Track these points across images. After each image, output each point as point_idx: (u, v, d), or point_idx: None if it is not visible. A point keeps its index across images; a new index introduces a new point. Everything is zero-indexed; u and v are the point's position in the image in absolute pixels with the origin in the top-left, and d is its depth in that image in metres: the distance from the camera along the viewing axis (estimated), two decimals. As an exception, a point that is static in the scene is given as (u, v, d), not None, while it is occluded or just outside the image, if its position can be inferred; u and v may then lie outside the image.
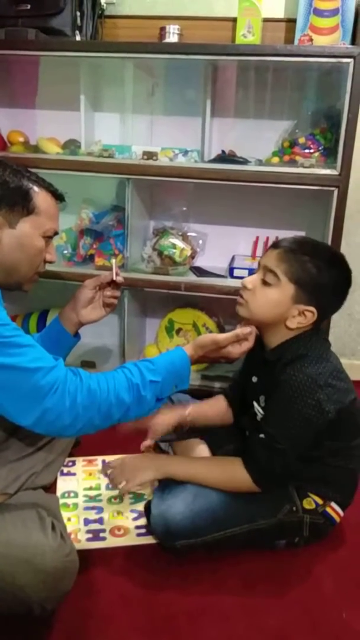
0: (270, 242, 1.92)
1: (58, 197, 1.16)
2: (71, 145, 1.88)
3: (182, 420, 1.31)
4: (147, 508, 1.25)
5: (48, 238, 1.13)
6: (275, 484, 1.18)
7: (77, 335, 1.36)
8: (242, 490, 1.17)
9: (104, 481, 1.40)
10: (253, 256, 1.91)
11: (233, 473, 1.17)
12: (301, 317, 1.16)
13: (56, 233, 1.15)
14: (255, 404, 1.27)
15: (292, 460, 1.14)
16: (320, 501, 1.21)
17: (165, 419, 1.28)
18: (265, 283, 1.16)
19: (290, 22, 1.74)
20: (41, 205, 1.09)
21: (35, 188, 1.09)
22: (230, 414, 1.40)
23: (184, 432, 1.37)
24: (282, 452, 1.12)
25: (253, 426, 1.24)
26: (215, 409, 1.40)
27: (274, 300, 1.15)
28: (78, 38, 1.74)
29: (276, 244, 1.19)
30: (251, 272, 1.76)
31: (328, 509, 1.22)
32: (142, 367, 1.04)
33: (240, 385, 1.38)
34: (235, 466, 1.17)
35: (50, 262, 1.16)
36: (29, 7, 1.69)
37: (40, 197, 1.09)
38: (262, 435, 1.15)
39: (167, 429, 1.28)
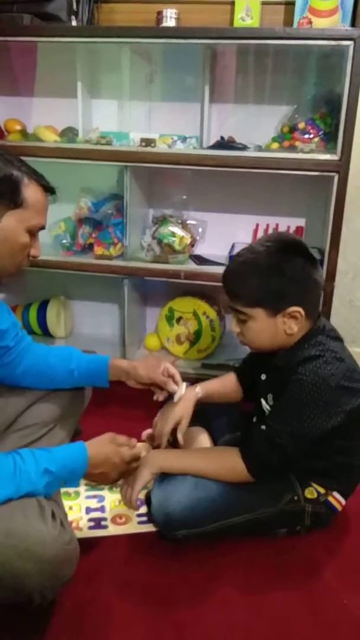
0: (270, 230, 1.90)
1: (49, 190, 1.11)
2: (69, 133, 1.86)
3: (195, 399, 1.31)
4: (148, 497, 1.25)
5: (34, 233, 1.09)
6: (271, 476, 1.17)
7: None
8: (239, 480, 1.16)
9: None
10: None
11: (230, 464, 1.16)
12: (293, 320, 1.14)
13: (43, 227, 1.11)
14: (263, 401, 1.27)
15: (292, 456, 1.13)
16: (322, 490, 1.21)
17: (183, 402, 1.27)
18: (242, 321, 1.18)
19: (289, 4, 1.71)
20: (30, 198, 1.05)
21: (25, 180, 1.04)
22: (241, 391, 1.40)
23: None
24: (282, 447, 1.12)
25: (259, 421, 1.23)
26: (227, 385, 1.40)
27: (258, 330, 1.17)
28: (74, 23, 1.72)
29: (223, 283, 1.20)
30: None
31: (330, 498, 1.22)
32: (39, 455, 0.95)
33: (250, 365, 1.37)
34: (233, 457, 1.17)
35: (35, 257, 1.12)
36: (23, -8, 1.66)
37: (30, 190, 1.05)
38: (263, 427, 1.15)
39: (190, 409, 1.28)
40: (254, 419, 1.31)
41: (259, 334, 1.17)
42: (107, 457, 1.06)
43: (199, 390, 1.32)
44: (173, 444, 1.43)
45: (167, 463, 1.20)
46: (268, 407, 1.24)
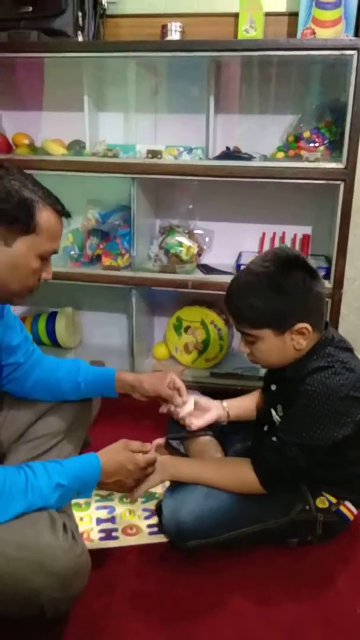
0: (276, 238, 1.91)
1: (63, 214, 1.08)
2: (76, 146, 1.88)
3: (223, 413, 1.33)
4: (158, 508, 1.25)
5: (46, 257, 1.06)
6: (282, 487, 1.16)
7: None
8: (251, 492, 1.16)
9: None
10: (260, 252, 1.90)
11: (241, 475, 1.16)
12: (300, 336, 1.14)
13: (55, 252, 1.08)
14: (273, 411, 1.27)
15: (304, 468, 1.12)
16: (334, 500, 1.20)
17: (205, 418, 1.30)
18: (250, 342, 1.17)
19: (293, 15, 1.73)
20: (43, 224, 1.01)
21: (40, 205, 1.01)
22: None
23: (193, 430, 1.37)
24: (293, 459, 1.11)
25: (270, 431, 1.23)
26: (255, 403, 1.39)
27: (267, 349, 1.16)
28: (80, 38, 1.74)
29: (227, 306, 1.20)
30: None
31: (342, 508, 1.21)
32: (51, 469, 0.96)
33: None
34: (244, 468, 1.16)
35: (46, 280, 1.09)
36: (30, 9, 1.69)
37: (44, 216, 1.01)
38: (274, 439, 1.14)
39: (206, 425, 1.31)
40: (265, 428, 1.30)
41: (269, 354, 1.17)
42: (121, 465, 1.06)
43: (226, 404, 1.35)
44: (183, 453, 1.43)
45: (178, 471, 1.20)
46: (278, 418, 1.24)
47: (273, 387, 1.27)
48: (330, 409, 1.08)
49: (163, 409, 1.31)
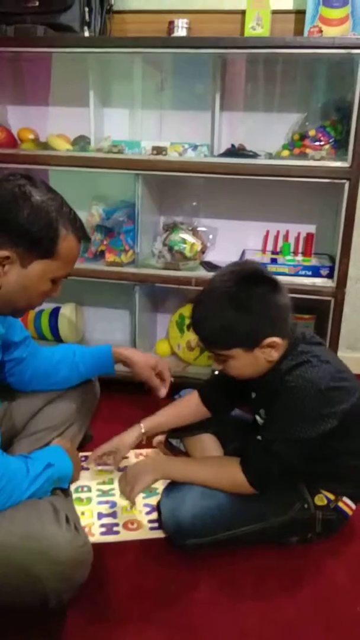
0: (280, 236, 1.91)
1: (85, 238, 1.07)
2: (81, 141, 1.88)
3: (141, 437, 1.34)
4: (159, 505, 1.26)
5: (57, 281, 1.06)
6: (273, 486, 1.15)
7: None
8: (243, 492, 1.15)
9: (116, 475, 1.40)
10: (263, 250, 1.90)
11: (231, 476, 1.15)
12: (271, 349, 1.12)
13: (68, 276, 1.07)
14: (257, 417, 1.27)
15: (290, 463, 1.12)
16: (332, 497, 1.21)
17: (124, 440, 1.32)
18: (222, 361, 1.16)
19: (300, 13, 1.73)
20: (63, 251, 0.99)
21: (64, 231, 0.98)
22: (203, 409, 1.37)
23: (194, 428, 1.38)
24: (278, 455, 1.10)
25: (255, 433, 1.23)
26: (185, 411, 1.38)
27: (240, 366, 1.15)
28: (87, 34, 1.74)
29: (194, 331, 1.19)
30: (262, 266, 1.75)
31: (340, 504, 1.21)
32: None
33: (218, 386, 1.36)
34: (233, 469, 1.15)
35: (52, 297, 1.10)
36: (37, 3, 1.69)
37: (65, 243, 0.99)
38: (259, 437, 1.14)
39: (129, 449, 1.33)
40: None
41: (242, 369, 1.16)
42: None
43: (142, 425, 1.34)
44: (183, 451, 1.44)
45: (172, 472, 1.21)
46: (262, 421, 1.24)
47: (253, 395, 1.27)
48: (312, 401, 1.08)
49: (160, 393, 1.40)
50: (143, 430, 1.34)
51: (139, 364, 1.37)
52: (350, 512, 1.23)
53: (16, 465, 0.96)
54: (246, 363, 1.14)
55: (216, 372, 1.36)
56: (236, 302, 1.09)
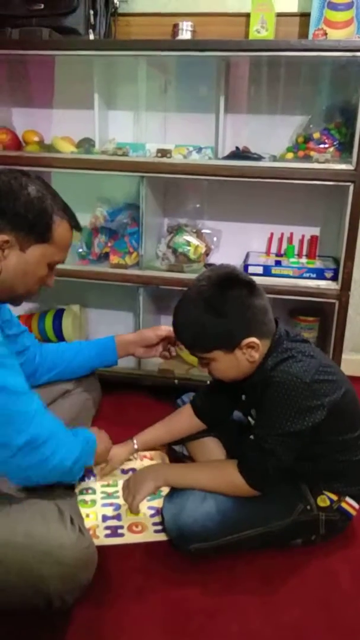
0: (284, 239, 1.91)
1: (77, 227, 1.14)
2: (85, 143, 1.89)
3: (133, 453, 1.39)
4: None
5: (52, 266, 1.12)
6: (272, 486, 1.15)
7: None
8: (244, 494, 1.15)
9: (121, 478, 1.40)
10: (268, 253, 1.90)
11: (230, 478, 1.16)
12: (251, 349, 1.14)
13: (62, 262, 1.14)
14: (249, 418, 1.28)
15: (284, 459, 1.11)
16: (334, 497, 1.20)
17: (117, 455, 1.35)
18: (206, 364, 1.19)
19: (304, 16, 1.73)
20: (58, 236, 1.07)
21: (58, 219, 1.06)
22: (198, 421, 1.38)
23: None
24: (271, 452, 1.11)
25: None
26: (176, 426, 1.40)
27: (223, 368, 1.18)
28: (91, 37, 1.75)
29: (175, 335, 1.23)
30: (266, 268, 1.76)
31: (343, 504, 1.21)
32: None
33: (211, 397, 1.37)
34: (231, 471, 1.16)
35: (48, 287, 1.15)
36: (42, 6, 1.70)
37: (60, 228, 1.07)
38: (251, 437, 1.15)
39: (119, 464, 1.39)
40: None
41: (226, 371, 1.19)
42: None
43: (136, 442, 1.37)
44: (187, 455, 1.44)
45: (173, 478, 1.22)
46: (254, 422, 1.25)
47: (243, 397, 1.28)
48: (299, 394, 1.09)
49: (169, 353, 1.44)
50: (136, 447, 1.37)
51: (145, 330, 1.46)
52: (353, 513, 1.23)
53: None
54: (228, 365, 1.16)
55: (207, 382, 1.38)
56: (211, 306, 1.12)
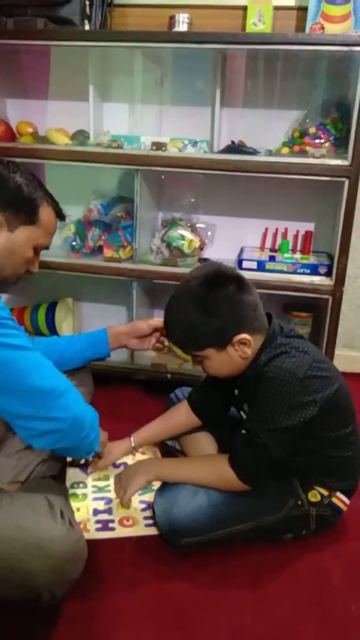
0: (279, 234, 1.91)
1: (61, 216, 1.22)
2: (80, 135, 1.87)
3: (130, 451, 1.40)
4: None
5: (38, 251, 1.18)
6: (263, 481, 1.16)
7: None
8: (235, 489, 1.15)
9: (112, 472, 1.40)
10: (262, 248, 1.90)
11: (221, 472, 1.16)
12: (243, 346, 1.14)
13: (47, 248, 1.21)
14: (242, 413, 1.28)
15: (276, 454, 1.12)
16: (325, 492, 1.21)
17: (113, 452, 1.38)
18: (199, 362, 1.20)
19: (302, 10, 1.72)
20: (44, 219, 1.14)
21: (45, 203, 1.15)
22: (195, 417, 1.38)
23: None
24: (263, 446, 1.11)
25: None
26: (172, 423, 1.40)
27: (216, 365, 1.19)
28: (87, 27, 1.73)
29: (167, 336, 1.26)
30: (260, 264, 1.75)
31: (334, 499, 1.22)
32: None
33: (207, 393, 1.37)
34: (222, 465, 1.16)
35: (31, 273, 1.21)
36: (37, -5, 1.68)
37: (46, 212, 1.15)
38: (243, 431, 1.15)
39: (115, 460, 1.41)
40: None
41: (219, 368, 1.19)
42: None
43: (132, 440, 1.39)
44: (179, 450, 1.44)
45: (164, 473, 1.22)
46: (245, 416, 1.25)
47: (236, 392, 1.28)
48: (291, 390, 1.09)
49: (161, 344, 1.44)
50: (133, 445, 1.39)
51: (137, 321, 1.47)
52: (344, 508, 1.23)
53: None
54: (221, 362, 1.17)
55: (203, 378, 1.38)
56: (200, 305, 1.12)
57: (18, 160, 1.70)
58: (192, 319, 1.13)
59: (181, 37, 1.65)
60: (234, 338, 1.13)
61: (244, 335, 1.13)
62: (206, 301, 1.12)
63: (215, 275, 1.15)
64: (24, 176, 1.13)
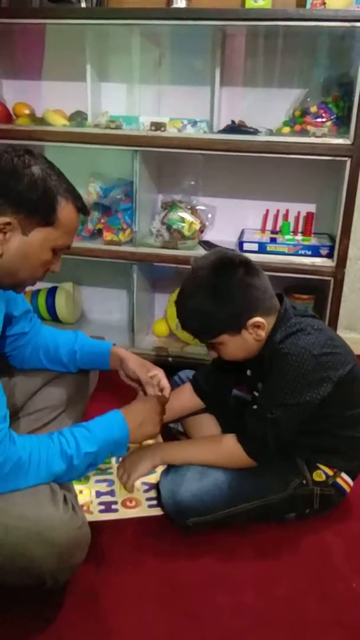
0: (280, 216, 1.89)
1: (84, 211, 1.06)
2: (78, 117, 1.85)
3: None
4: (159, 486, 1.26)
5: (58, 251, 1.05)
6: (270, 457, 1.16)
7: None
8: (242, 465, 1.17)
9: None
10: (263, 230, 1.88)
11: (228, 449, 1.17)
12: (257, 329, 1.15)
13: (69, 247, 1.06)
14: (255, 392, 1.28)
15: (286, 430, 1.13)
16: (330, 472, 1.22)
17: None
18: (214, 348, 1.20)
19: (303, -15, 1.68)
20: (63, 219, 0.99)
21: (63, 201, 0.99)
22: (198, 400, 1.38)
23: None
24: (274, 421, 1.12)
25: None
26: (182, 402, 1.38)
27: (231, 350, 1.19)
28: (84, 5, 1.70)
29: (180, 325, 1.21)
30: (261, 246, 1.74)
31: (338, 480, 1.22)
32: (79, 436, 0.99)
33: (212, 376, 1.37)
34: (230, 443, 1.17)
35: (53, 273, 1.09)
36: (33, -28, 1.64)
37: (65, 211, 0.99)
38: (255, 407, 1.16)
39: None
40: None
41: (235, 352, 1.19)
42: (145, 411, 1.14)
43: None
44: (181, 432, 1.44)
45: (170, 456, 1.22)
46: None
47: (249, 373, 1.28)
48: (306, 367, 1.10)
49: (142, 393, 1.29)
50: None
51: (134, 361, 1.31)
52: (347, 489, 1.24)
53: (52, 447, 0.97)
54: (237, 346, 1.17)
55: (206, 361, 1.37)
56: (212, 294, 1.13)
57: (16, 142, 1.70)
58: (206, 308, 1.13)
59: (180, 14, 1.62)
60: (248, 322, 1.14)
61: (257, 319, 1.14)
62: (217, 289, 1.13)
63: (223, 263, 1.15)
64: (41, 168, 0.97)
